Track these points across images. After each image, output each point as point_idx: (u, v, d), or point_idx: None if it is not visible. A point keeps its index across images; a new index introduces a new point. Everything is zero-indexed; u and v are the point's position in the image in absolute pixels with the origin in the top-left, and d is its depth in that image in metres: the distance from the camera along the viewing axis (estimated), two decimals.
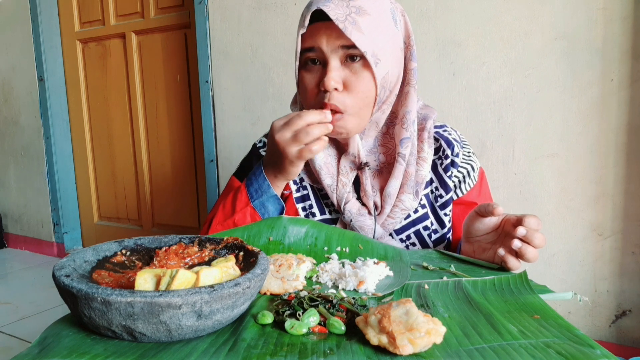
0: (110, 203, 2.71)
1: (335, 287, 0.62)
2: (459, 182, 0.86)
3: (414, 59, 0.81)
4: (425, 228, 0.85)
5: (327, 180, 0.83)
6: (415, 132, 0.83)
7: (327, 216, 0.87)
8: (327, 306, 0.52)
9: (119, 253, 0.61)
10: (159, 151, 2.47)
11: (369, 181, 0.83)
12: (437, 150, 0.86)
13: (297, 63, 0.80)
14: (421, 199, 0.85)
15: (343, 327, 0.48)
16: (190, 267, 0.59)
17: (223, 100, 2.01)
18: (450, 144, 0.86)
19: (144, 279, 0.48)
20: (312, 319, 0.49)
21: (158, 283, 0.48)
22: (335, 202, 0.84)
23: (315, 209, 0.87)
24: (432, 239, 0.85)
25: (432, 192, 0.86)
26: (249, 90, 1.94)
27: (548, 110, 1.44)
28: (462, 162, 0.86)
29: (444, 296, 0.58)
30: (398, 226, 0.84)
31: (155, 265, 0.58)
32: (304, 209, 0.88)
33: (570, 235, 1.45)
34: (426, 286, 0.61)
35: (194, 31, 2.09)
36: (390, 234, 0.85)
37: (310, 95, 0.79)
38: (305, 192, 0.89)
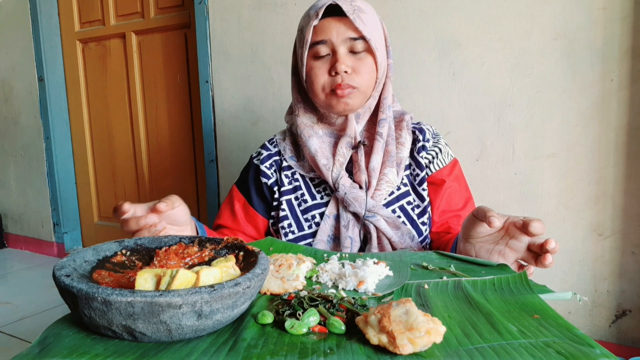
0: (110, 203, 2.71)
1: (335, 287, 0.63)
2: (429, 162, 0.99)
3: (390, 57, 0.98)
4: (409, 203, 0.97)
5: (323, 160, 0.94)
6: (391, 117, 0.98)
7: (318, 200, 0.97)
8: (327, 306, 0.52)
9: (119, 253, 0.61)
10: (159, 151, 2.47)
11: (362, 158, 0.94)
12: (414, 141, 1.00)
13: (307, 53, 0.91)
14: (403, 179, 0.98)
15: (343, 327, 0.48)
16: (190, 267, 0.59)
17: (223, 100, 2.01)
18: (422, 132, 1.00)
19: (144, 279, 0.48)
20: (312, 318, 0.49)
21: (158, 283, 0.48)
22: (330, 180, 0.94)
23: (307, 197, 0.98)
24: (415, 212, 0.97)
25: (410, 173, 0.99)
26: (249, 90, 1.94)
27: (548, 110, 1.44)
28: (431, 146, 1.00)
29: (444, 296, 0.58)
30: (384, 201, 0.95)
31: (156, 265, 0.58)
32: (296, 198, 0.99)
33: (570, 235, 1.45)
34: (426, 286, 0.61)
35: (194, 31, 2.09)
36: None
37: (322, 79, 0.91)
38: (297, 183, 0.99)
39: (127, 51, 2.46)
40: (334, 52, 0.90)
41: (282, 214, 0.97)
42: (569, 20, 1.38)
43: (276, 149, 1.03)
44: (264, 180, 1.01)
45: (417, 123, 1.02)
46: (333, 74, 0.90)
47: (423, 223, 0.97)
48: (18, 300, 2.19)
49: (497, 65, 1.48)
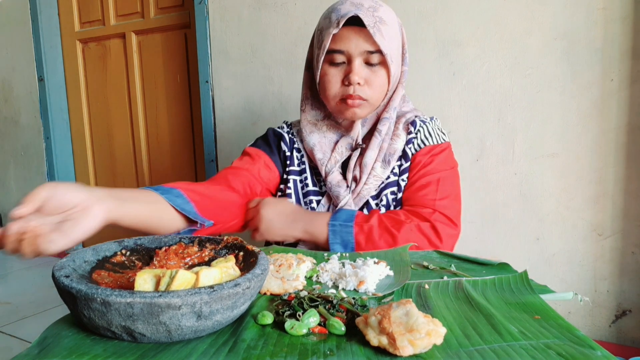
0: None
1: (335, 287, 0.62)
2: (413, 148, 0.99)
3: (406, 64, 0.99)
4: (392, 193, 1.00)
5: (319, 154, 0.99)
6: (394, 117, 0.99)
7: (317, 189, 1.03)
8: (327, 306, 0.52)
9: (119, 253, 0.61)
10: (159, 151, 2.47)
11: (356, 157, 0.97)
12: (409, 133, 1.00)
13: (323, 58, 0.92)
14: (394, 168, 0.99)
15: (343, 328, 0.48)
16: (190, 267, 0.59)
17: (223, 100, 2.01)
18: (414, 124, 1.00)
19: (144, 280, 0.48)
20: (312, 319, 0.49)
21: (158, 283, 0.48)
22: (323, 174, 0.99)
23: (309, 181, 1.03)
24: (393, 202, 0.99)
25: (401, 164, 1.01)
26: (249, 90, 1.94)
27: (548, 110, 1.43)
28: (416, 133, 1.00)
29: (444, 296, 0.58)
30: (375, 192, 0.99)
31: (155, 265, 0.58)
32: (300, 181, 1.04)
33: (570, 235, 1.45)
34: (426, 286, 0.61)
35: (194, 31, 2.09)
36: (367, 201, 0.99)
37: (334, 87, 0.94)
38: (303, 166, 1.04)
39: (127, 51, 2.45)
40: (349, 62, 0.92)
41: (288, 191, 1.03)
42: (569, 20, 1.38)
43: (292, 130, 1.09)
44: (284, 147, 1.05)
45: (416, 116, 1.02)
46: (346, 83, 0.92)
47: None
48: (18, 300, 2.19)
49: (497, 65, 1.48)
